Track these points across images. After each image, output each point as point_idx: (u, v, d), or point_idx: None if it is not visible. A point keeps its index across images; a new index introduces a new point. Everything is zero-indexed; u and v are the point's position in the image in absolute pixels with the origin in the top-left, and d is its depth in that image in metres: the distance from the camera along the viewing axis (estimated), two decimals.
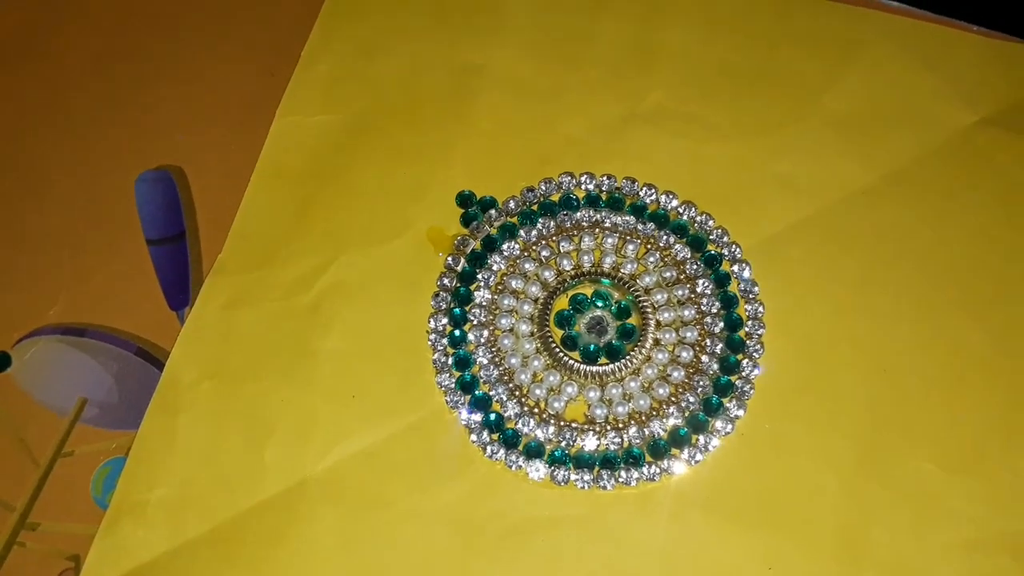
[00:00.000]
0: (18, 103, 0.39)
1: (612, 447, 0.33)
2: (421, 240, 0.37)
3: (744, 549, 0.32)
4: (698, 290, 0.35)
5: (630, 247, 0.36)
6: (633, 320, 0.35)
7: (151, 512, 0.32)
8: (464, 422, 0.33)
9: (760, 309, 0.35)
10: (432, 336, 0.35)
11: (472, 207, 0.37)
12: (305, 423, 0.34)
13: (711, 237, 0.36)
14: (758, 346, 0.34)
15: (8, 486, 0.33)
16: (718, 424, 0.33)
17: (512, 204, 0.37)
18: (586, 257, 0.36)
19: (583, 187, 0.37)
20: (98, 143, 0.38)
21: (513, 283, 0.35)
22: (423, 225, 0.37)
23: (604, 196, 0.37)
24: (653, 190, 0.37)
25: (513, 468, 0.33)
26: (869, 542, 0.32)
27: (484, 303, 0.35)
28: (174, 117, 0.39)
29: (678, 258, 0.36)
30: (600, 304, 0.35)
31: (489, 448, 0.33)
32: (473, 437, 0.33)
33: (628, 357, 0.34)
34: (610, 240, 0.36)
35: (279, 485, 0.33)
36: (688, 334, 0.34)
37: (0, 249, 0.36)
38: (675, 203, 0.37)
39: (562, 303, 0.35)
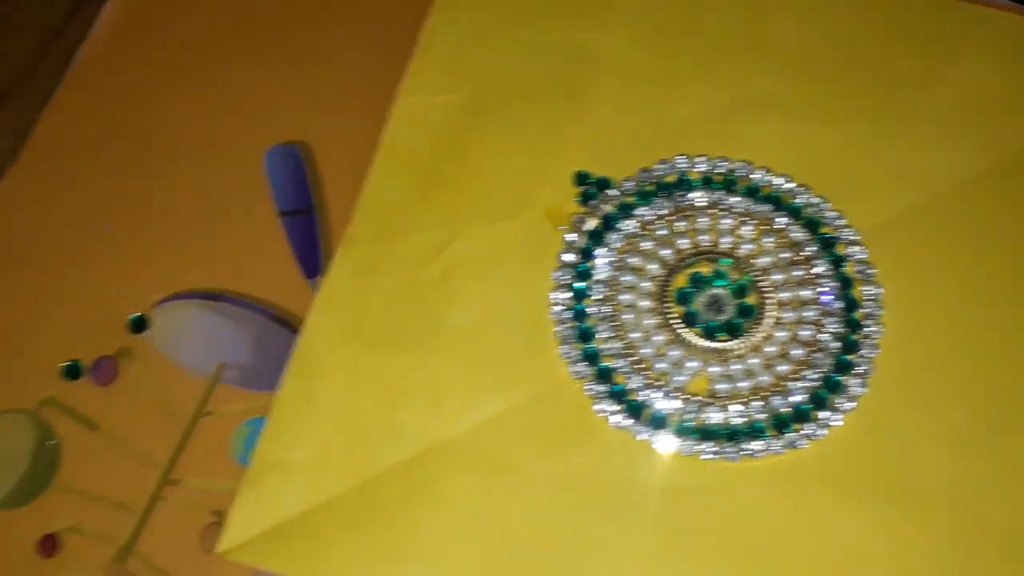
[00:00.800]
0: (153, 83, 0.41)
1: (736, 420, 0.34)
2: (540, 217, 0.38)
3: (864, 523, 0.32)
4: (815, 271, 0.36)
5: (746, 228, 0.37)
6: (751, 299, 0.36)
7: (291, 471, 0.33)
8: (590, 392, 0.34)
9: (877, 290, 0.36)
10: (555, 309, 0.36)
11: (590, 186, 0.38)
12: (436, 390, 0.35)
13: (825, 220, 0.37)
14: (877, 326, 0.35)
15: (151, 443, 0.34)
16: (839, 401, 0.34)
17: (629, 184, 0.38)
18: (703, 237, 0.37)
19: (698, 168, 0.38)
20: (229, 119, 0.39)
21: (632, 260, 0.36)
22: (542, 203, 0.38)
23: (719, 178, 0.38)
24: (768, 172, 0.38)
25: (639, 438, 0.34)
26: (986, 517, 0.32)
27: (605, 279, 0.36)
28: (300, 95, 0.40)
29: (794, 239, 0.37)
30: (719, 283, 0.36)
31: (615, 418, 0.34)
32: (599, 407, 0.34)
33: (748, 335, 0.35)
34: (726, 221, 0.37)
35: (412, 449, 0.34)
36: (807, 313, 0.35)
37: (140, 218, 0.38)
38: (789, 185, 0.38)
39: (681, 281, 0.36)
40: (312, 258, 0.37)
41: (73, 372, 0.35)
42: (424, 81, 0.40)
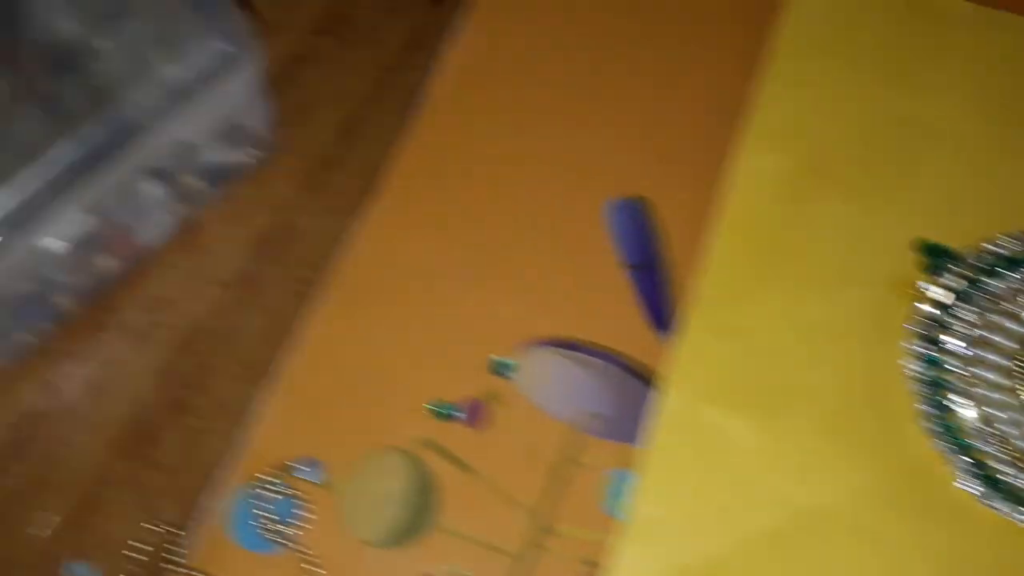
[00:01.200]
0: (495, 130, 0.42)
1: None
2: (883, 284, 0.38)
3: None
4: None
5: None
6: None
7: (666, 531, 0.34)
8: (954, 467, 0.34)
9: None
10: (910, 380, 0.36)
11: (937, 257, 0.38)
12: (798, 457, 0.35)
13: None
14: None
15: (519, 487, 0.35)
16: None
17: (976, 256, 0.38)
18: None
19: None
20: (569, 171, 0.40)
21: (986, 335, 0.36)
22: (881, 269, 0.38)
23: None
24: None
25: (1006, 516, 0.33)
26: None
27: (959, 352, 0.36)
28: (635, 149, 0.41)
29: None
30: None
31: (987, 499, 0.34)
32: (963, 484, 0.34)
33: None
34: None
35: (780, 515, 0.34)
36: None
37: (492, 264, 0.38)
38: None
39: None
40: (659, 311, 0.37)
41: (443, 413, 0.36)
42: (760, 144, 0.41)
